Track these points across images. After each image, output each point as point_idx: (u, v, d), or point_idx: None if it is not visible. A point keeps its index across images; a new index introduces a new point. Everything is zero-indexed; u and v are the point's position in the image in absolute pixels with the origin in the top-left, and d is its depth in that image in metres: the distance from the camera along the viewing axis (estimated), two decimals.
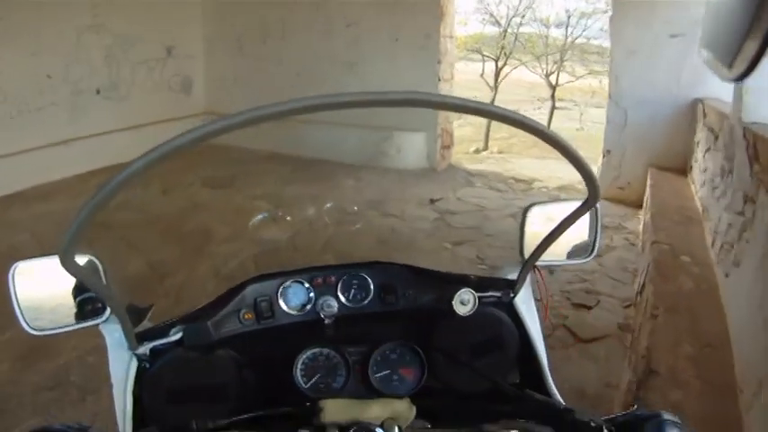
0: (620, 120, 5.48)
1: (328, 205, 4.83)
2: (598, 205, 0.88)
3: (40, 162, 6.00)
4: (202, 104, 7.77)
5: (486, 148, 12.22)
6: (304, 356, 1.04)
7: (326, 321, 1.05)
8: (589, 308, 3.32)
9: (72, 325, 0.96)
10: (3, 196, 5.56)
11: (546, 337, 1.12)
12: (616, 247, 4.37)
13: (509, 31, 13.45)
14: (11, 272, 0.92)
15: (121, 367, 0.96)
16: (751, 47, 0.36)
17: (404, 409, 0.84)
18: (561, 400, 0.97)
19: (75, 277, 0.81)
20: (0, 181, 5.63)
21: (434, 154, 6.51)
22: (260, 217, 4.51)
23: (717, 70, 0.41)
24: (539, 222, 1.06)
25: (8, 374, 2.92)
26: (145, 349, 0.96)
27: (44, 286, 0.95)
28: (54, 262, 0.74)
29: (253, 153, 6.63)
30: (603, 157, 5.72)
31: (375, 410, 0.83)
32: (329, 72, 6.62)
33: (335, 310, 1.05)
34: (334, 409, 0.82)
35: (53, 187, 5.89)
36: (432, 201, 5.59)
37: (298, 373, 1.04)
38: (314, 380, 1.04)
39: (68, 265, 0.69)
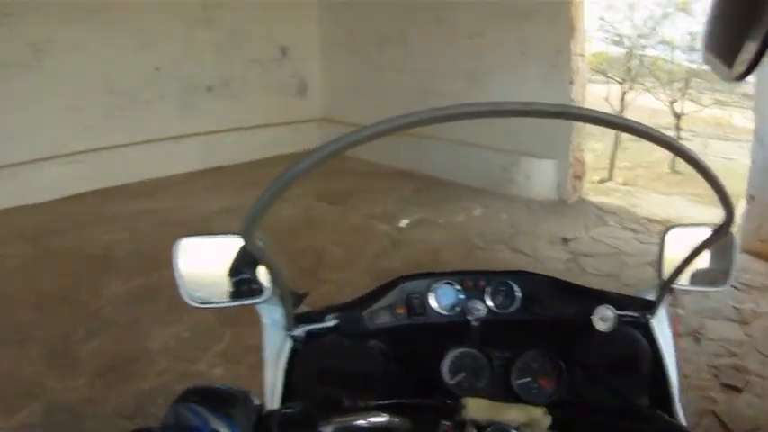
0: (765, 162, 4.66)
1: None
2: (733, 230, 0.92)
3: (147, 156, 5.90)
4: (318, 110, 7.39)
5: (610, 177, 11.32)
6: (452, 354, 1.07)
7: (473, 323, 1.08)
8: (739, 390, 2.92)
9: (229, 302, 1.02)
10: (106, 188, 5.49)
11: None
12: (764, 314, 3.66)
13: (634, 52, 12.44)
14: (174, 246, 1.00)
15: (276, 346, 1.04)
16: (751, 47, 0.36)
17: (540, 416, 0.90)
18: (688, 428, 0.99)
19: (256, 255, 0.86)
20: (105, 172, 5.55)
21: (565, 184, 5.84)
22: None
23: (718, 70, 0.42)
24: (677, 245, 1.06)
25: (86, 392, 2.69)
26: (300, 331, 1.02)
27: (202, 263, 1.01)
28: (213, 241, 1.01)
29: (372, 166, 6.23)
30: (746, 203, 4.88)
31: (513, 414, 0.90)
32: (450, 84, 6.12)
33: (483, 313, 1.08)
34: (476, 408, 0.90)
35: (158, 184, 5.76)
36: (565, 240, 4.94)
37: (445, 369, 1.06)
38: (459, 377, 1.06)
39: (251, 243, 0.78)
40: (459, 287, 1.12)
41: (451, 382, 1.06)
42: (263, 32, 6.78)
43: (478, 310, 1.09)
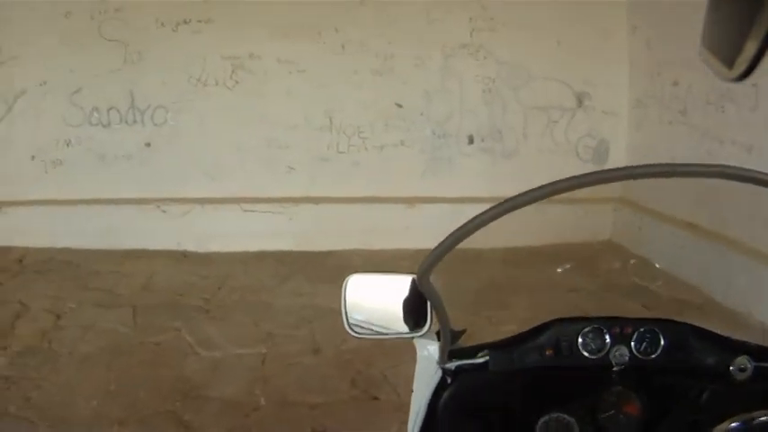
0: None
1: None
2: None
3: (358, 219, 4.57)
4: (617, 187, 5.05)
5: None
6: (540, 424, 1.08)
7: (615, 369, 1.11)
8: None
9: (390, 334, 1.18)
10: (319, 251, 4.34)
11: None
12: None
13: None
14: (345, 281, 1.15)
15: (427, 378, 1.15)
16: (751, 47, 0.36)
17: None
18: None
19: (427, 296, 1.03)
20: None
21: None
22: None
23: (717, 70, 0.42)
24: None
25: None
26: (452, 365, 1.10)
27: (368, 298, 1.17)
28: (381, 278, 1.21)
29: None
30: None
31: None
32: None
33: (627, 359, 1.10)
34: None
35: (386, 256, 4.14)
36: None
37: None
38: None
39: (424, 284, 0.97)
40: (606, 332, 1.13)
41: None
42: (553, 70, 4.89)
43: (623, 355, 1.10)
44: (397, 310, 1.14)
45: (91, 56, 5.51)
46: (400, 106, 4.72)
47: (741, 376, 1.05)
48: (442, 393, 1.10)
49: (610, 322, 1.14)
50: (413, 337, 1.15)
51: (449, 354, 1.10)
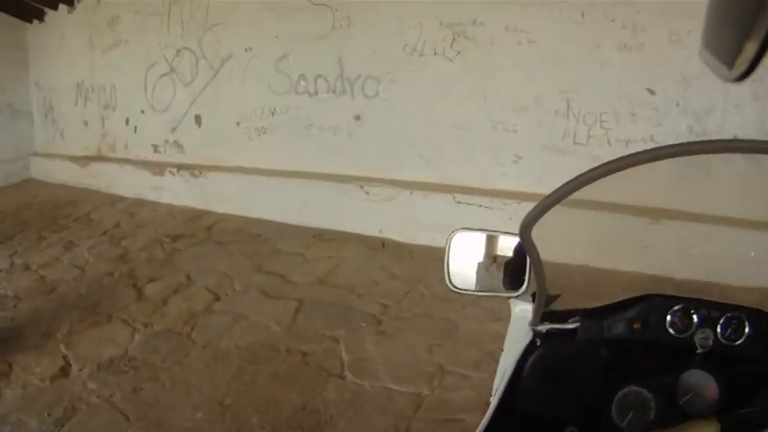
0: None
1: None
2: None
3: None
4: None
5: None
6: (618, 397, 1.09)
7: (699, 351, 1.10)
8: None
9: (489, 292, 1.26)
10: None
11: None
12: None
13: None
14: (449, 236, 1.23)
15: (518, 338, 1.18)
16: (751, 47, 0.37)
17: (710, 426, 1.02)
18: None
19: (527, 251, 1.05)
20: None
21: None
22: None
23: (717, 71, 0.43)
24: None
25: None
26: (543, 328, 1.14)
27: (472, 254, 1.22)
28: (486, 235, 1.24)
29: None
30: None
31: None
32: None
33: (711, 342, 1.10)
34: None
35: (622, 278, 3.54)
36: None
37: (615, 413, 1.09)
38: (628, 418, 1.09)
39: (527, 241, 0.99)
40: (694, 313, 1.13)
41: (623, 425, 1.08)
42: None
43: (707, 338, 1.11)
44: (499, 269, 1.21)
45: (297, 21, 5.43)
46: (652, 93, 3.96)
47: None
48: (530, 355, 1.14)
49: (699, 304, 1.14)
50: (510, 297, 1.21)
51: (542, 316, 1.14)
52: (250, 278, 4.29)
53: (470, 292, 1.25)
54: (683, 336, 1.13)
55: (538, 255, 1.04)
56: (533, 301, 1.16)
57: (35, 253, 5.29)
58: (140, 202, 6.91)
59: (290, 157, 5.58)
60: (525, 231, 0.97)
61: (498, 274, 1.23)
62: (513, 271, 1.20)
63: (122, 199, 7.22)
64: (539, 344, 1.15)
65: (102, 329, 3.62)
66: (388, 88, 4.95)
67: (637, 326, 1.14)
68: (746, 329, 1.12)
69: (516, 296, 1.20)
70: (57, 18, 8.49)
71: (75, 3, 8.07)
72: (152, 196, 6.87)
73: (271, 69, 5.66)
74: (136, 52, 7.14)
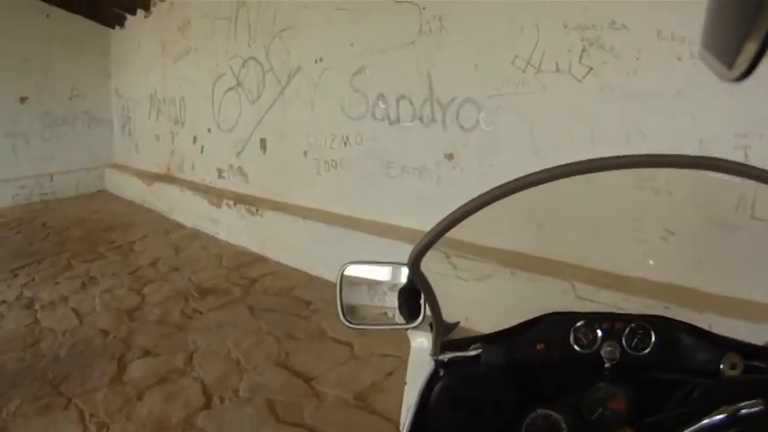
0: None
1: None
2: None
3: None
4: None
5: None
6: (527, 421, 1.09)
7: (607, 364, 1.13)
8: None
9: (384, 325, 1.27)
10: None
11: None
12: None
13: None
14: (340, 270, 1.21)
15: (420, 369, 1.18)
16: (751, 47, 0.38)
17: None
18: None
19: (418, 284, 1.03)
20: None
21: None
22: None
23: (716, 70, 0.44)
24: None
25: None
26: (444, 357, 1.14)
27: (364, 287, 1.23)
28: (376, 268, 1.23)
29: None
30: None
31: None
32: None
33: (617, 354, 1.13)
34: None
35: None
36: None
37: None
38: None
39: (416, 273, 0.97)
40: (598, 327, 1.16)
41: None
42: None
43: (614, 351, 1.13)
44: (393, 301, 1.20)
45: (376, 24, 4.35)
46: None
47: (731, 374, 1.08)
48: (434, 385, 1.12)
49: (602, 317, 1.17)
50: (407, 329, 1.21)
51: (441, 346, 1.14)
52: (265, 377, 3.29)
53: (366, 326, 1.29)
54: (588, 351, 1.15)
55: (429, 286, 1.04)
56: (432, 330, 1.14)
57: (49, 286, 4.85)
58: (195, 235, 6.29)
59: (362, 202, 4.54)
60: (414, 263, 0.96)
61: (393, 306, 1.21)
62: (408, 301, 1.17)
63: (179, 228, 6.64)
64: (442, 374, 1.15)
65: (49, 421, 2.89)
66: (491, 118, 3.71)
67: (540, 346, 1.17)
68: (652, 338, 1.15)
69: (413, 327, 1.19)
70: (135, 24, 8.09)
71: (151, 6, 7.55)
72: (209, 229, 6.17)
73: (344, 86, 4.64)
74: (204, 62, 6.47)
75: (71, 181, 8.80)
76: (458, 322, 1.22)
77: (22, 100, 8.34)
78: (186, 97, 6.97)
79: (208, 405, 3.03)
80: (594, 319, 1.17)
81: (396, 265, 1.20)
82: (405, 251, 3.30)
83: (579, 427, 1.07)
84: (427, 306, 1.11)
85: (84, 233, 6.64)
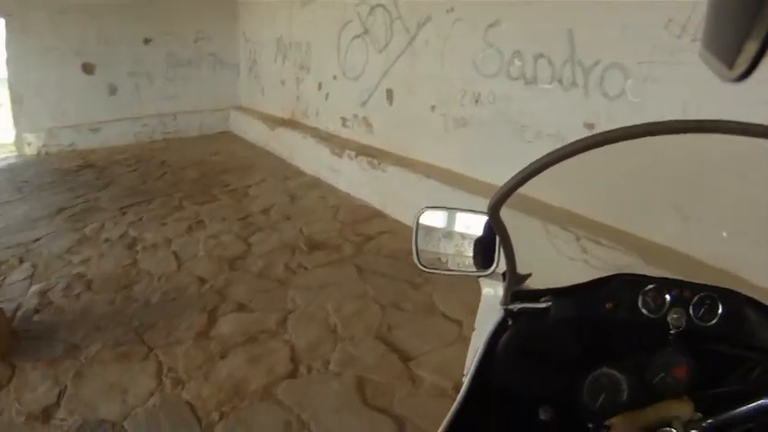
0: None
1: None
2: None
3: None
4: None
5: None
6: (589, 380, 1.10)
7: (672, 331, 1.13)
8: None
9: (458, 271, 1.27)
10: None
11: None
12: None
13: None
14: (417, 214, 1.26)
15: (489, 317, 1.21)
16: (751, 47, 0.38)
17: (682, 405, 1.02)
18: None
19: (496, 230, 1.06)
20: None
21: None
22: None
23: (717, 71, 0.44)
24: None
25: None
26: (514, 307, 1.16)
27: (440, 233, 1.27)
28: (454, 214, 1.28)
29: None
30: None
31: (659, 412, 1.03)
32: None
33: (683, 322, 1.13)
34: (622, 425, 1.03)
35: None
36: None
37: (586, 396, 1.10)
38: (600, 399, 1.09)
39: (495, 218, 1.00)
40: (667, 293, 1.16)
41: (595, 407, 1.09)
42: None
43: (680, 318, 1.13)
44: (468, 248, 1.24)
45: None
46: None
47: None
48: (502, 334, 1.15)
49: (671, 283, 1.17)
50: (479, 276, 1.25)
51: (512, 296, 1.17)
52: (360, 350, 3.11)
53: (439, 271, 1.30)
54: (655, 316, 1.16)
55: (507, 234, 1.06)
56: (504, 280, 1.17)
57: (154, 227, 5.06)
58: (315, 183, 6.42)
59: (492, 165, 4.42)
60: (494, 210, 0.99)
61: (468, 253, 1.24)
62: (484, 249, 1.21)
63: (299, 174, 6.82)
64: (510, 323, 1.17)
65: (125, 370, 2.97)
66: (639, 87, 3.43)
67: (609, 305, 1.17)
68: (719, 310, 1.14)
69: (486, 275, 1.21)
70: None
71: None
72: (330, 179, 6.33)
73: (477, 39, 4.47)
74: (331, 7, 6.47)
75: (195, 121, 9.30)
76: (530, 274, 1.22)
77: (146, 41, 8.79)
78: (312, 43, 7.05)
79: (293, 374, 2.91)
80: (664, 284, 1.16)
81: (472, 212, 1.23)
82: (528, 230, 3.03)
83: (640, 388, 1.08)
84: (502, 255, 1.14)
85: (200, 174, 6.89)
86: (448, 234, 1.27)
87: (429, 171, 4.88)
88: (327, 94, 6.81)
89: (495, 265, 1.18)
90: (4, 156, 8.99)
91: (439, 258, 1.28)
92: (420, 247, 1.26)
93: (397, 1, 5.35)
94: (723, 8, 0.43)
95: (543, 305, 1.15)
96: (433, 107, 4.98)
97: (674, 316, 1.13)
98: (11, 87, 8.24)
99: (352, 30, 6.13)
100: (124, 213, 5.48)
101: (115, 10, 8.31)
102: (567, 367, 1.12)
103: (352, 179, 5.84)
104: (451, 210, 1.28)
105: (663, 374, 1.09)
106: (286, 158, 7.42)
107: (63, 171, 7.35)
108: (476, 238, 1.22)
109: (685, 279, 1.18)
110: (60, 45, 8.18)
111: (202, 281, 3.99)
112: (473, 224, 1.22)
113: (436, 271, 1.30)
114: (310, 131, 6.93)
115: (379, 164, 5.39)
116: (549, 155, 0.88)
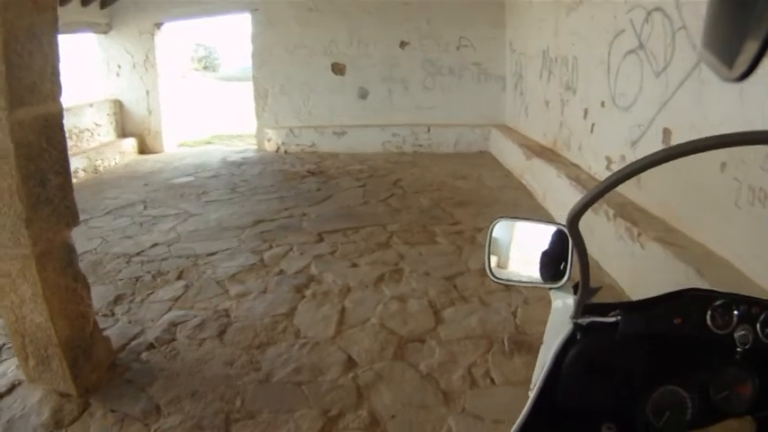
0: None
1: None
2: None
3: None
4: None
5: None
6: (654, 397, 1.11)
7: (738, 348, 1.11)
8: None
9: (528, 282, 1.29)
10: None
11: None
12: None
13: None
14: (491, 225, 1.28)
15: (558, 330, 1.18)
16: (751, 47, 0.39)
17: (744, 424, 1.07)
18: None
19: (574, 242, 1.02)
20: None
21: None
22: None
23: (717, 70, 0.45)
24: None
25: None
26: (584, 321, 1.13)
27: (513, 243, 1.29)
28: (528, 225, 1.31)
29: None
30: None
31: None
32: None
33: (750, 340, 1.11)
34: None
35: None
36: None
37: (649, 414, 1.11)
38: (665, 418, 1.11)
39: (574, 229, 0.97)
40: (735, 309, 1.14)
41: (659, 426, 1.11)
42: None
43: (747, 335, 1.11)
44: (539, 259, 1.26)
45: None
46: None
47: None
48: (570, 347, 1.15)
49: (740, 299, 1.15)
50: (551, 288, 1.25)
51: (582, 309, 1.15)
52: None
53: (510, 282, 1.33)
54: (722, 332, 1.14)
55: (584, 247, 1.06)
56: (574, 292, 1.18)
57: (342, 267, 4.48)
58: None
59: None
60: (573, 221, 0.99)
61: (538, 264, 1.26)
62: (549, 261, 1.24)
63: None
64: (578, 337, 1.16)
65: None
66: None
67: (677, 320, 1.16)
68: None
69: (557, 287, 1.23)
70: None
71: None
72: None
73: None
74: (599, 14, 5.22)
75: (450, 136, 8.70)
76: (600, 287, 1.20)
77: (402, 45, 8.43)
78: (579, 58, 5.81)
79: None
80: (732, 300, 1.14)
81: (545, 223, 1.27)
82: None
83: (703, 406, 1.08)
84: (575, 267, 1.13)
85: (432, 203, 6.13)
86: (519, 245, 1.30)
87: (701, 261, 3.34)
88: (593, 125, 5.50)
89: (566, 277, 1.20)
90: (243, 148, 9.66)
91: (511, 270, 1.31)
92: (492, 257, 1.29)
93: (680, 3, 3.85)
94: (723, 8, 0.44)
95: (612, 319, 1.12)
96: (723, 165, 3.40)
97: (742, 333, 1.11)
98: (255, 81, 8.80)
99: (624, 42, 4.76)
100: (320, 240, 5.04)
101: (368, 9, 8.20)
102: (631, 383, 1.12)
103: (603, 246, 4.46)
104: (524, 220, 1.32)
105: (727, 392, 1.09)
106: (539, 198, 6.30)
107: (288, 175, 7.37)
108: (546, 248, 1.24)
109: (753, 296, 1.15)
110: (308, 43, 8.38)
111: (350, 364, 3.17)
112: (544, 236, 1.24)
113: (508, 281, 1.33)
114: (566, 169, 5.71)
115: (639, 235, 3.97)
116: (628, 166, 0.86)
